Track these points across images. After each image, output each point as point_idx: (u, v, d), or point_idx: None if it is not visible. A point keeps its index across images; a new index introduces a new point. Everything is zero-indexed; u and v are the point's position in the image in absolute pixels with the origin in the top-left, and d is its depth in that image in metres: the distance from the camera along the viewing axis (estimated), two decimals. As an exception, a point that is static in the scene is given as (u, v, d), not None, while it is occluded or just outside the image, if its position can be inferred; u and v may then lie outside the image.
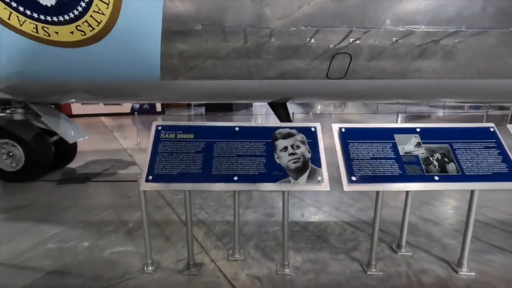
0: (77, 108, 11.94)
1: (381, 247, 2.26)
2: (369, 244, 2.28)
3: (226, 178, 1.78)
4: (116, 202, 3.12)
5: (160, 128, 1.94)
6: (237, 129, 1.96)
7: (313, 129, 1.97)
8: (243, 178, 1.78)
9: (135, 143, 6.26)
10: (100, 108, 12.43)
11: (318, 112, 13.97)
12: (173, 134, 1.92)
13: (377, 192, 1.84)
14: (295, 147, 1.89)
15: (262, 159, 1.85)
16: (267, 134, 1.95)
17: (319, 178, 1.79)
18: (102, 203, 3.10)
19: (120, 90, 3.26)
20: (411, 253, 2.16)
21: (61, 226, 2.60)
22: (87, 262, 2.08)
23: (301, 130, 1.97)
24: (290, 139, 1.92)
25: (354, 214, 2.82)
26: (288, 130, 1.96)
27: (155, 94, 3.64)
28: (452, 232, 2.47)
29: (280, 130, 1.96)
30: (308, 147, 1.90)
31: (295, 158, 1.85)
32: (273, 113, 4.14)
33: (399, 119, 9.92)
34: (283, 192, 1.83)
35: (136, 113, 6.93)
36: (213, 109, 13.04)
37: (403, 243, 2.20)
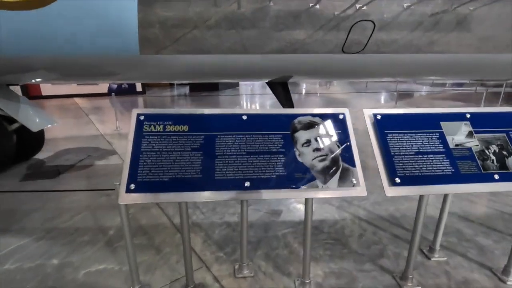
0: (47, 88, 10.87)
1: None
2: (396, 247, 1.98)
3: (235, 184, 1.36)
4: (93, 203, 2.65)
5: (142, 117, 1.46)
6: (244, 117, 1.51)
7: (341, 117, 1.56)
8: (257, 183, 1.37)
9: (114, 127, 5.65)
10: (73, 88, 11.40)
11: (304, 92, 13.46)
12: (161, 126, 1.45)
13: (421, 196, 1.48)
14: (320, 141, 1.48)
15: (280, 157, 1.43)
16: (284, 123, 1.52)
17: (354, 180, 1.41)
18: (76, 204, 2.62)
19: (89, 68, 2.66)
20: (445, 258, 1.87)
21: (23, 238, 2.12)
22: (56, 288, 1.65)
23: (326, 118, 1.55)
24: (313, 130, 1.50)
25: (370, 209, 2.50)
26: (310, 118, 1.54)
27: (134, 72, 3.06)
28: (483, 229, 2.20)
29: (299, 119, 1.53)
30: (337, 139, 1.49)
31: (322, 155, 1.44)
32: (260, 92, 3.66)
33: (382, 97, 9.65)
34: (307, 198, 1.43)
35: (113, 94, 6.20)
36: (198, 88, 12.27)
37: (437, 247, 1.90)
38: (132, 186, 1.30)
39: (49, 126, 3.55)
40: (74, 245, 2.03)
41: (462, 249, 1.96)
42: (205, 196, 1.34)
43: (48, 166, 3.73)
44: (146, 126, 1.43)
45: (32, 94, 10.08)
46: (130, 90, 12.11)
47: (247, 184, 1.35)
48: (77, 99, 10.37)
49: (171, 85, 15.79)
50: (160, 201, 1.28)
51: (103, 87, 11.59)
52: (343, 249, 1.98)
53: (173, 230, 2.20)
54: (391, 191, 1.39)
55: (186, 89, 13.19)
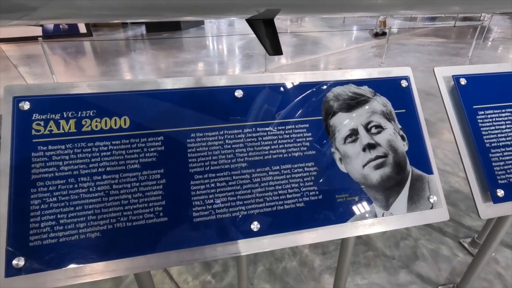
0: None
1: (446, 244, 1.56)
2: (431, 244, 1.57)
3: (233, 229, 0.73)
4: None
5: (27, 106, 0.70)
6: (239, 94, 0.81)
7: (404, 84, 0.91)
8: (270, 224, 0.75)
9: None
10: (-3, 30, 9.13)
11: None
12: (71, 122, 0.71)
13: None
14: (374, 130, 0.85)
15: (308, 169, 0.80)
16: (307, 101, 0.85)
17: (432, 197, 0.84)
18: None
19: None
20: (493, 253, 1.50)
21: None
22: None
23: (379, 85, 0.89)
24: (361, 111, 0.86)
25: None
26: (354, 89, 0.87)
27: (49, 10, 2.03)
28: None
29: (336, 91, 0.86)
30: (400, 127, 0.87)
31: (378, 156, 0.83)
32: (238, 33, 2.81)
33: (360, 34, 8.85)
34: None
35: (40, 38, 4.78)
36: (157, 28, 10.47)
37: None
38: (19, 262, 0.63)
39: None
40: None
41: (508, 239, 1.60)
42: (178, 258, 0.70)
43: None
44: (38, 125, 0.69)
45: None
46: (71, 32, 10.03)
47: (254, 226, 0.73)
48: (2, 45, 8.38)
49: (124, 24, 13.48)
50: (85, 281, 0.65)
51: (35, 29, 9.39)
52: (367, 250, 1.53)
53: None
54: (489, 211, 0.86)
55: (143, 29, 11.29)
